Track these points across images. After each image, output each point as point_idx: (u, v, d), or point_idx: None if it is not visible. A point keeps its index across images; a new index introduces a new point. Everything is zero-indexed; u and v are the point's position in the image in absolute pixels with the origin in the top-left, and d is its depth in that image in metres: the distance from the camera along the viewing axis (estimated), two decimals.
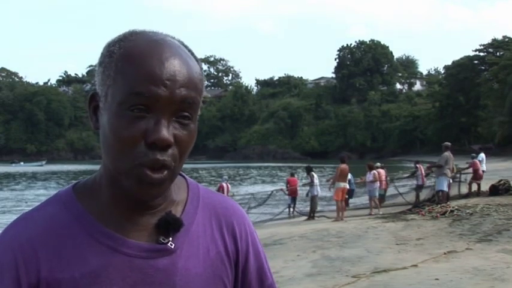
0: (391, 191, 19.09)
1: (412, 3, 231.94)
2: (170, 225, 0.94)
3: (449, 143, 14.55)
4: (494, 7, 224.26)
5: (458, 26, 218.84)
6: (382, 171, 17.46)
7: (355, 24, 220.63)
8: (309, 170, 16.25)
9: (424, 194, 16.81)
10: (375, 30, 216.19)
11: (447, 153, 13.93)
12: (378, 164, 18.08)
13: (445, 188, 13.83)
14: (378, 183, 16.23)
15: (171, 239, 0.94)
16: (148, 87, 0.85)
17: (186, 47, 0.94)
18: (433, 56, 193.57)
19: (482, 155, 17.80)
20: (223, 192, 14.73)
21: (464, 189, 16.76)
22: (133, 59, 0.87)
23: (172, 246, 0.94)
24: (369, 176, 16.19)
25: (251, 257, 1.04)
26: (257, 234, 1.08)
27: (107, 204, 0.94)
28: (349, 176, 16.47)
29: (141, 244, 0.92)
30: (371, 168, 16.60)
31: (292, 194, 17.66)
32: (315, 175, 16.39)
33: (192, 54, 0.94)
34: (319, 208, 16.57)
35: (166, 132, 0.86)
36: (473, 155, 17.66)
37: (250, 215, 16.83)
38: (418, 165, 17.71)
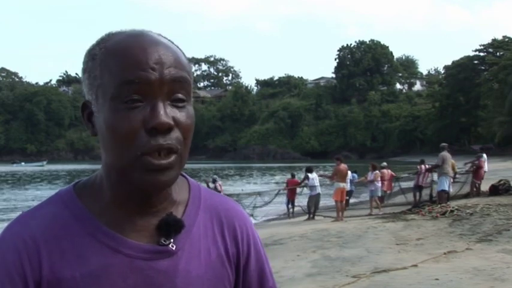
0: (396, 189, 19.00)
1: (411, 4, 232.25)
2: (171, 227, 0.93)
3: (446, 144, 14.63)
4: (492, 8, 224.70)
5: (458, 27, 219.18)
6: (387, 171, 17.42)
7: (355, 24, 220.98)
8: (309, 171, 16.09)
9: (424, 194, 16.77)
10: (375, 30, 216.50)
11: (444, 153, 13.98)
12: (384, 164, 18.04)
13: (447, 188, 13.82)
14: (380, 183, 16.19)
15: (172, 240, 0.93)
16: (137, 74, 0.85)
17: (165, 37, 0.94)
18: (433, 56, 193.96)
19: (483, 155, 17.76)
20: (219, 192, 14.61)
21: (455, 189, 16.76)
22: (117, 53, 0.87)
23: (174, 248, 0.93)
24: (371, 176, 16.17)
25: (252, 260, 1.03)
26: (258, 235, 1.08)
27: (108, 205, 0.93)
28: (350, 175, 16.43)
29: (142, 245, 0.92)
30: (374, 168, 16.57)
31: (290, 196, 17.49)
32: (313, 175, 16.24)
33: (173, 43, 0.94)
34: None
35: (164, 115, 0.85)
36: (480, 154, 17.63)
37: (256, 214, 16.85)
38: (419, 166, 17.45)
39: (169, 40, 0.94)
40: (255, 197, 18.33)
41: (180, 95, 0.88)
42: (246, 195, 19.36)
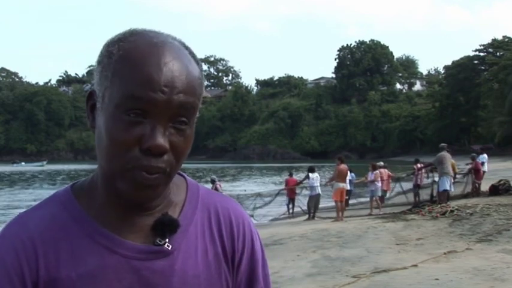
0: (396, 189, 19.02)
1: (411, 4, 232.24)
2: (166, 227, 0.93)
3: (445, 144, 14.63)
4: (492, 8, 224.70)
5: (458, 27, 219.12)
6: (384, 171, 17.42)
7: (355, 24, 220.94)
8: (311, 171, 16.08)
9: (424, 194, 16.79)
10: (375, 30, 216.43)
11: (442, 153, 13.98)
12: (381, 163, 18.06)
13: (448, 188, 13.81)
14: (380, 183, 16.19)
15: (167, 240, 0.94)
16: (146, 92, 0.84)
17: (187, 48, 0.93)
18: (433, 56, 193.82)
19: (485, 156, 17.70)
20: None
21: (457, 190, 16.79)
22: (132, 62, 0.86)
23: (170, 248, 0.93)
24: (371, 176, 16.16)
25: (245, 259, 1.02)
26: (259, 236, 1.06)
27: (104, 205, 0.94)
28: (349, 175, 16.43)
29: (137, 245, 0.92)
30: (374, 168, 16.55)
31: (290, 195, 17.50)
32: (314, 176, 16.21)
33: (193, 56, 0.93)
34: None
35: (162, 139, 0.85)
36: (474, 154, 17.62)
37: (256, 215, 16.85)
38: (415, 166, 17.53)
39: (190, 52, 0.93)
40: (255, 197, 18.31)
41: (183, 119, 0.88)
42: (247, 195, 19.28)
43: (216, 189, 15.90)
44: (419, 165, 16.92)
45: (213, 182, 16.85)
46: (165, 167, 0.87)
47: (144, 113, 0.85)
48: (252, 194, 19.41)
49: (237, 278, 1.01)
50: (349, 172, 15.83)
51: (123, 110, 0.85)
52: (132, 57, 0.87)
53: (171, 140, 0.87)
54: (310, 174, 15.76)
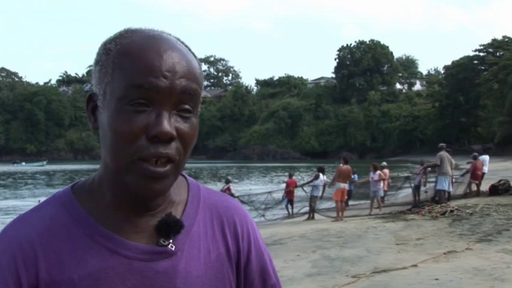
0: (407, 190, 19.05)
1: (411, 4, 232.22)
2: (170, 228, 0.92)
3: (444, 144, 14.65)
4: (490, 8, 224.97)
5: (458, 26, 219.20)
6: (387, 172, 17.42)
7: (355, 25, 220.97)
8: (321, 172, 16.12)
9: (425, 194, 16.79)
10: (374, 30, 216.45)
11: (442, 153, 13.98)
12: (384, 164, 18.07)
13: (446, 188, 13.80)
14: (382, 184, 16.19)
15: (171, 241, 0.93)
16: (147, 79, 0.84)
17: (182, 43, 0.93)
18: (433, 56, 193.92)
19: (485, 157, 17.56)
20: (229, 193, 14.54)
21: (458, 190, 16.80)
22: (131, 53, 0.86)
23: (173, 249, 0.92)
24: (374, 176, 16.13)
25: (253, 257, 1.02)
26: (259, 232, 1.07)
27: (106, 206, 0.92)
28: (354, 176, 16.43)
29: (140, 246, 0.91)
30: (376, 168, 16.52)
31: (290, 196, 17.43)
32: (323, 177, 16.21)
33: (189, 49, 0.93)
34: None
35: (168, 125, 0.85)
36: (475, 154, 17.55)
37: (267, 215, 16.86)
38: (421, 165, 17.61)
39: (186, 46, 0.93)
40: (266, 196, 18.23)
41: (187, 106, 0.87)
42: (256, 195, 19.12)
43: (229, 189, 15.92)
44: (425, 164, 16.95)
45: (227, 182, 16.83)
46: (174, 154, 0.86)
47: (147, 102, 0.85)
48: (263, 193, 19.27)
49: (250, 277, 1.01)
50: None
51: (127, 102, 0.84)
52: (130, 50, 0.87)
53: (177, 127, 0.86)
54: (321, 176, 15.82)
